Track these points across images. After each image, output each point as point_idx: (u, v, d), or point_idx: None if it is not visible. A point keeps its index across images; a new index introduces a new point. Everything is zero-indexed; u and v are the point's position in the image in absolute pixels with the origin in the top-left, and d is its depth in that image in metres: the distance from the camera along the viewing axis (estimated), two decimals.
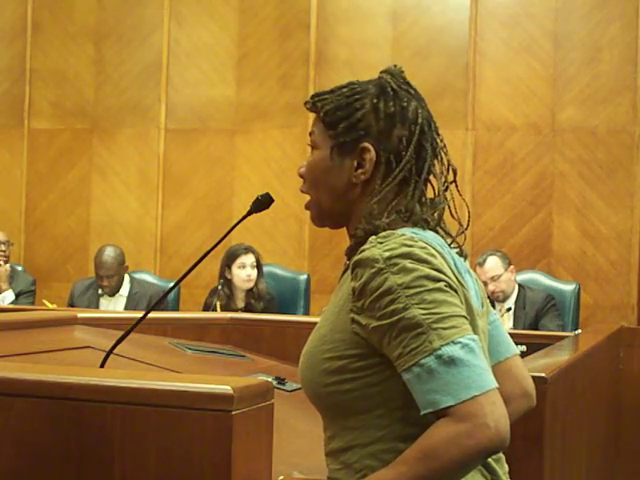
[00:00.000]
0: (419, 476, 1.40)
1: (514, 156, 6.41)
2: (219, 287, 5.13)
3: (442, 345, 1.41)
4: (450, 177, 1.65)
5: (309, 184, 1.67)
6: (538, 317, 5.15)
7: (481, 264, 5.23)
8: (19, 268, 6.12)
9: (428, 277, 1.46)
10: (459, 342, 1.42)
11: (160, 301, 2.30)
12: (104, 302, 5.49)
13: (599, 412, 3.75)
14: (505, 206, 6.42)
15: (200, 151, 6.97)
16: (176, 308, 5.48)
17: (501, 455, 1.61)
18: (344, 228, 1.68)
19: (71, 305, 5.48)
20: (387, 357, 1.47)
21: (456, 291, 1.50)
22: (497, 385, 1.42)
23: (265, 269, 5.31)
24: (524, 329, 4.90)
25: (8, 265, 5.91)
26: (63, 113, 7.22)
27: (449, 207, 1.64)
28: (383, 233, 1.53)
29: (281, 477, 1.84)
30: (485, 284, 4.98)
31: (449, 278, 1.49)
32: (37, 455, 1.39)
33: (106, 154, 7.14)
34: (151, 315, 2.11)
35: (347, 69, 6.53)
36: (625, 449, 4.48)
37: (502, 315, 5.01)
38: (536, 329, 4.99)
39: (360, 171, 1.61)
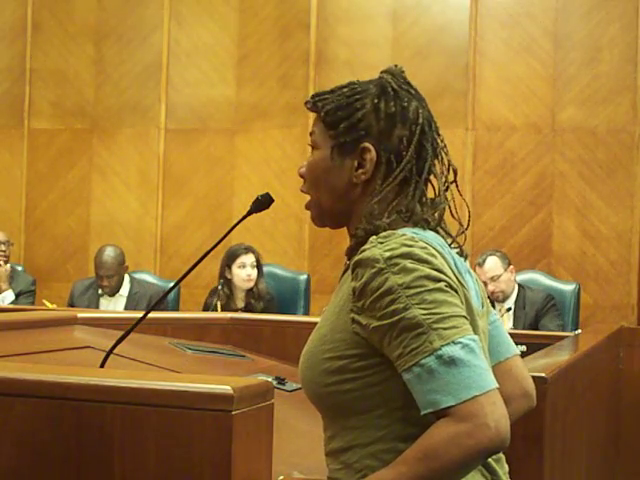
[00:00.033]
0: (419, 476, 1.40)
1: (514, 156, 6.41)
2: (219, 287, 5.13)
3: (442, 345, 1.41)
4: (450, 177, 1.65)
5: (309, 184, 1.67)
6: (538, 317, 5.15)
7: (481, 264, 5.23)
8: (19, 268, 6.12)
9: (428, 277, 1.46)
10: (459, 342, 1.42)
11: (160, 301, 2.30)
12: (104, 302, 5.49)
13: (599, 412, 3.75)
14: (505, 206, 6.42)
15: (200, 151, 6.97)
16: (176, 308, 5.48)
17: (501, 455, 1.61)
18: (344, 228, 1.68)
19: (71, 305, 5.48)
20: (387, 357, 1.47)
21: (456, 291, 1.50)
22: (497, 385, 1.42)
23: (265, 269, 5.31)
24: (524, 329, 4.90)
25: (8, 265, 5.91)
26: (63, 113, 7.22)
27: (449, 207, 1.64)
28: (384, 233, 1.53)
29: (281, 477, 1.84)
30: (485, 284, 4.98)
31: (449, 278, 1.49)
32: (37, 455, 1.39)
33: (106, 154, 7.14)
34: (151, 315, 2.11)
35: (347, 69, 6.53)
36: (625, 449, 4.48)
37: (502, 315, 5.01)
38: (536, 329, 4.99)
39: (361, 171, 1.61)
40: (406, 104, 1.61)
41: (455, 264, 1.57)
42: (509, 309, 5.17)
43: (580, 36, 6.33)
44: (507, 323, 5.10)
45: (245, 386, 1.37)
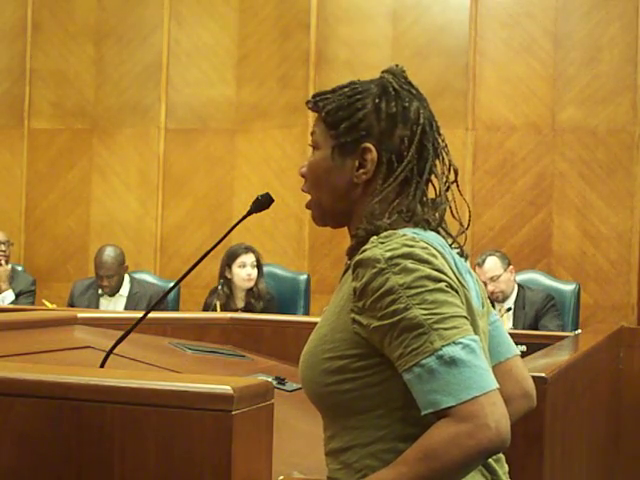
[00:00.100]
0: (420, 476, 1.40)
1: (514, 156, 6.41)
2: (219, 287, 5.13)
3: (443, 345, 1.41)
4: (451, 177, 1.65)
5: (310, 184, 1.67)
6: (538, 317, 5.15)
7: (480, 264, 5.23)
8: (19, 268, 6.12)
9: (429, 277, 1.46)
10: (460, 342, 1.42)
11: (160, 301, 2.30)
12: (104, 302, 5.49)
13: (599, 412, 3.75)
14: (505, 206, 6.42)
15: (200, 151, 6.97)
16: (176, 308, 5.48)
17: (501, 455, 1.61)
18: (344, 228, 1.68)
19: (71, 305, 5.48)
20: (388, 357, 1.47)
21: (457, 292, 1.49)
22: (498, 386, 1.42)
23: (265, 269, 5.31)
24: (524, 329, 4.90)
25: (9, 265, 5.91)
26: (63, 113, 7.22)
27: (450, 207, 1.64)
28: (384, 233, 1.53)
29: (281, 477, 1.84)
30: (484, 284, 4.98)
31: (450, 279, 1.49)
32: (37, 455, 1.39)
33: (106, 154, 7.14)
34: (151, 315, 2.11)
35: (347, 69, 6.53)
36: (625, 449, 4.48)
37: (502, 315, 5.01)
38: (536, 329, 4.99)
39: (361, 171, 1.61)
40: (407, 104, 1.61)
41: (456, 264, 1.57)
42: (509, 309, 5.17)
43: (580, 36, 6.33)
44: (507, 323, 5.10)
45: (245, 386, 1.37)
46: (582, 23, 6.33)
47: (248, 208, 1.86)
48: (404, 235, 1.51)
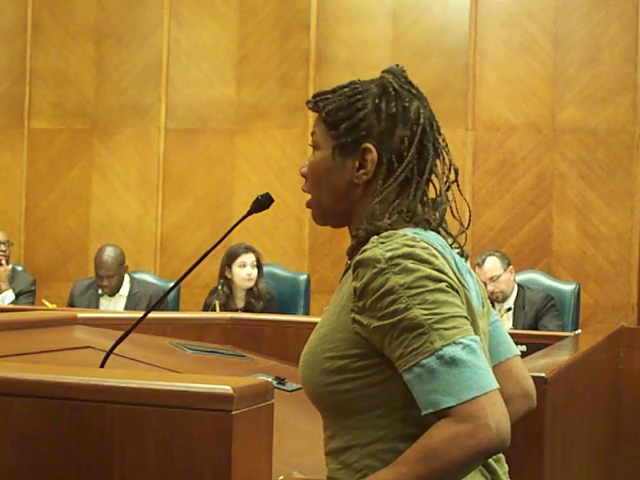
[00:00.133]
0: (420, 476, 1.40)
1: (514, 156, 6.42)
2: (219, 286, 5.14)
3: (443, 345, 1.41)
4: (452, 177, 1.65)
5: (311, 184, 1.67)
6: (538, 317, 5.15)
7: (480, 264, 5.23)
8: (19, 268, 6.12)
9: (430, 277, 1.46)
10: (460, 343, 1.42)
11: (160, 301, 2.30)
12: (104, 302, 5.49)
13: (599, 412, 3.75)
14: (505, 206, 6.42)
15: (200, 151, 6.97)
16: (176, 308, 5.48)
17: (501, 455, 1.61)
18: (344, 228, 1.68)
19: (71, 305, 5.48)
20: (388, 357, 1.47)
21: (457, 292, 1.49)
22: (498, 386, 1.42)
23: (265, 269, 5.31)
24: (524, 329, 4.90)
25: (9, 265, 5.91)
26: (63, 113, 7.22)
27: (451, 207, 1.64)
28: (385, 233, 1.53)
29: (281, 477, 1.84)
30: (484, 284, 4.98)
31: (450, 279, 1.49)
32: (37, 455, 1.39)
33: (106, 154, 7.14)
34: (151, 315, 2.11)
35: (347, 69, 6.53)
36: (625, 449, 4.48)
37: (502, 315, 5.01)
38: (536, 329, 4.99)
39: (362, 172, 1.61)
40: (407, 104, 1.61)
41: (456, 264, 1.57)
42: (509, 309, 5.17)
43: (580, 36, 6.33)
44: (507, 323, 5.10)
45: (245, 386, 1.37)
46: (582, 23, 6.33)
47: (248, 208, 1.86)
48: (404, 235, 1.51)
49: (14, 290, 5.80)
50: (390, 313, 1.44)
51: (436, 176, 1.63)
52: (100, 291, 5.47)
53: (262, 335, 3.77)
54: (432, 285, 1.45)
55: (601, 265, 6.25)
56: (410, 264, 1.46)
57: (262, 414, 1.41)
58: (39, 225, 7.23)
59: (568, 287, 5.45)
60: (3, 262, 5.87)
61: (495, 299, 5.15)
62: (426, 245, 1.51)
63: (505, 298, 5.21)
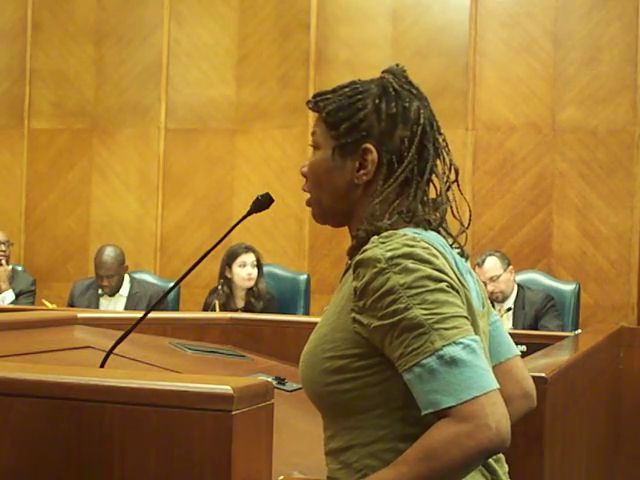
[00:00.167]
0: (420, 476, 1.40)
1: (514, 156, 6.41)
2: (219, 286, 5.14)
3: (444, 345, 1.41)
4: (452, 177, 1.65)
5: (311, 184, 1.67)
6: (537, 317, 5.15)
7: (480, 264, 5.23)
8: (19, 268, 6.12)
9: (430, 277, 1.46)
10: (461, 343, 1.42)
11: (160, 301, 2.30)
12: (104, 302, 5.49)
13: (599, 412, 3.75)
14: (505, 206, 6.42)
15: (200, 151, 6.97)
16: (176, 308, 5.48)
17: (501, 455, 1.61)
18: (344, 227, 1.68)
19: (71, 305, 5.48)
20: (388, 357, 1.47)
21: (458, 292, 1.49)
22: (498, 386, 1.42)
23: (265, 269, 5.31)
24: (524, 329, 4.90)
25: (9, 265, 5.91)
26: (63, 113, 7.22)
27: (451, 207, 1.64)
28: (385, 233, 1.53)
29: (281, 477, 1.84)
30: (484, 284, 4.98)
31: (451, 279, 1.49)
32: (37, 455, 1.39)
33: (106, 154, 7.14)
34: (151, 315, 2.11)
35: (347, 69, 6.53)
36: (625, 449, 4.48)
37: (502, 315, 5.01)
38: (536, 329, 4.99)
39: (362, 172, 1.61)
40: (407, 104, 1.61)
41: (456, 264, 1.57)
42: (509, 309, 5.17)
43: (580, 36, 6.33)
44: (507, 323, 5.10)
45: (245, 386, 1.37)
46: (582, 23, 6.33)
47: (248, 208, 1.86)
48: (405, 235, 1.51)
49: (14, 290, 5.80)
50: (390, 313, 1.44)
51: (436, 176, 1.63)
52: (100, 291, 5.47)
53: (262, 335, 3.77)
54: (432, 285, 1.45)
55: (601, 265, 6.25)
56: (410, 264, 1.46)
57: (262, 414, 1.41)
58: (39, 225, 7.23)
59: (568, 287, 5.45)
60: (3, 262, 5.87)
61: (495, 299, 5.15)
62: (426, 245, 1.51)
63: (505, 298, 5.21)
